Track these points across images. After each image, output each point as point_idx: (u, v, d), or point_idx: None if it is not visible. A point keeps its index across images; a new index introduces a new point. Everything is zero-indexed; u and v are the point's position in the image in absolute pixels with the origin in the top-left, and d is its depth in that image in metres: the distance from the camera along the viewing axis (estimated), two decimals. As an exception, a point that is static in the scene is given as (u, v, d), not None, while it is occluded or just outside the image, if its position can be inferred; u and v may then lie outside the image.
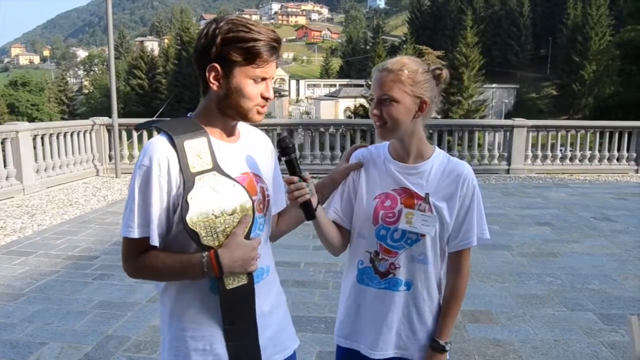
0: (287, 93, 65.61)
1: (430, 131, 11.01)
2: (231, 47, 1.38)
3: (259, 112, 1.46)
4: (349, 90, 59.39)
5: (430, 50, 53.06)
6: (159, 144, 1.41)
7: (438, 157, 1.67)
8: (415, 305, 1.68)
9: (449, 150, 11.06)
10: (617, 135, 10.98)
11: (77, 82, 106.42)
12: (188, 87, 52.73)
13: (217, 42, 1.37)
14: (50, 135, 9.43)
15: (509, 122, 11.19)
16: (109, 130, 10.64)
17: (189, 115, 1.54)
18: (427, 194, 1.61)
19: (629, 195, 8.72)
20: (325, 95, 63.91)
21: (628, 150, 11.01)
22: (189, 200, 1.35)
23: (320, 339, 3.54)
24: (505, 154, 10.80)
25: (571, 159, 10.95)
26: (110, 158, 10.68)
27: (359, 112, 43.95)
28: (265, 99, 1.45)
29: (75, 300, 4.22)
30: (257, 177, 1.53)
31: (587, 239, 6.08)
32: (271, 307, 1.59)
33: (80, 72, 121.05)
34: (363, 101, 45.93)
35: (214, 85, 1.41)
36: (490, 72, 55.50)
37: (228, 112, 1.45)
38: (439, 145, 11.05)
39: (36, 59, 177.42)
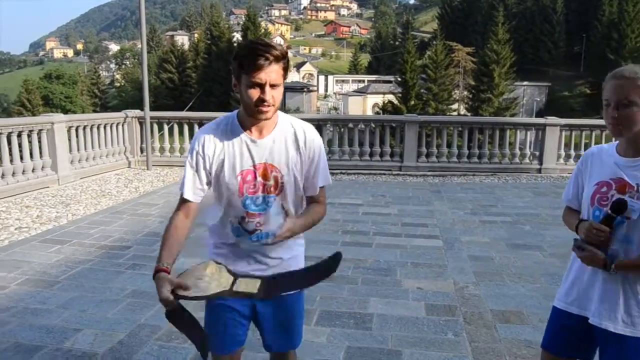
0: (315, 88, 65.58)
1: (460, 128, 10.92)
2: (235, 63, 1.83)
3: (260, 112, 1.83)
4: (377, 87, 59.07)
5: (460, 47, 52.52)
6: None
7: None
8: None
9: (479, 148, 10.95)
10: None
11: (109, 76, 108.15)
12: (218, 81, 53.06)
13: (233, 62, 1.85)
14: (84, 127, 9.62)
15: (541, 120, 11.00)
16: (140, 123, 10.80)
17: (235, 111, 1.99)
18: (637, 184, 1.84)
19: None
20: (353, 91, 63.69)
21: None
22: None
23: (349, 334, 3.54)
24: (537, 153, 10.62)
25: (605, 159, 10.70)
26: (141, 150, 10.85)
27: (387, 108, 43.68)
28: (262, 100, 1.80)
29: (108, 289, 4.30)
30: (272, 167, 1.93)
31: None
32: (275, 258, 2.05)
33: (112, 66, 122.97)
34: (392, 97, 45.62)
35: (237, 93, 1.87)
36: (522, 70, 54.50)
37: (247, 111, 1.87)
38: (469, 142, 10.93)
39: (70, 53, 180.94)
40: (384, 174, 10.31)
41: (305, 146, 1.97)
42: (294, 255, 2.11)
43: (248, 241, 1.99)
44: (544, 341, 2.14)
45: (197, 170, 1.94)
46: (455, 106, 48.76)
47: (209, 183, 1.97)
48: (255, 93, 1.80)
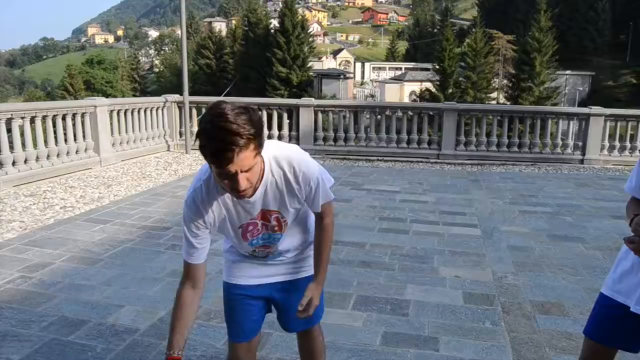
0: (352, 75, 65.26)
1: (499, 117, 10.71)
2: (198, 144, 1.58)
3: (237, 197, 1.73)
4: (414, 74, 58.43)
5: (500, 35, 51.33)
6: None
7: None
8: None
9: (519, 137, 10.72)
10: None
11: (148, 61, 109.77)
12: (254, 68, 53.26)
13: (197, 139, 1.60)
14: (125, 111, 9.80)
15: (585, 110, 10.69)
16: (179, 108, 10.95)
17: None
18: None
19: None
20: (390, 79, 63.14)
21: None
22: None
23: (385, 320, 3.54)
24: (580, 144, 10.34)
25: (652, 151, 10.37)
26: (180, 134, 11.01)
27: (425, 96, 43.20)
28: (237, 190, 1.64)
29: (149, 268, 4.40)
30: (269, 212, 1.89)
31: (668, 235, 5.75)
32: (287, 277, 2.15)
33: (151, 52, 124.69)
34: (429, 85, 45.06)
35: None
36: (564, 58, 52.89)
37: None
38: (509, 132, 10.71)
39: (110, 39, 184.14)
40: (421, 162, 10.22)
41: (299, 182, 1.86)
42: (307, 256, 2.19)
43: (262, 260, 2.09)
44: (587, 327, 2.09)
45: (196, 237, 1.87)
46: (494, 95, 47.85)
47: (210, 234, 1.94)
48: (227, 183, 1.63)
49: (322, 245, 2.07)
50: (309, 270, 2.16)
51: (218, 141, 1.53)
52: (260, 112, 1.61)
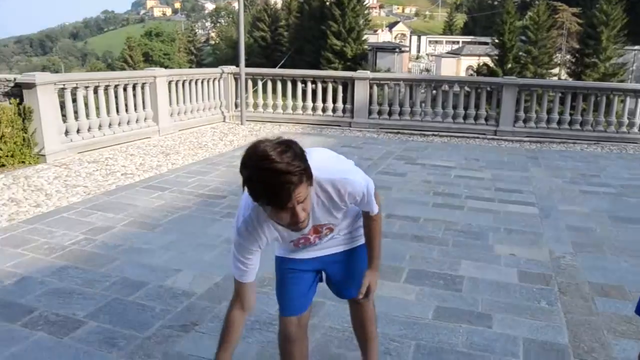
0: (407, 49, 64.02)
1: (561, 93, 10.30)
2: (247, 190, 1.62)
3: (295, 230, 1.77)
4: (472, 48, 56.68)
5: (565, 7, 48.97)
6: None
7: None
8: None
9: (582, 115, 10.29)
10: None
11: (205, 34, 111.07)
12: (309, 41, 52.97)
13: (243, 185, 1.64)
14: (183, 82, 9.98)
15: (655, 87, 10.13)
16: (235, 79, 11.06)
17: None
18: None
19: None
20: (446, 53, 61.56)
21: None
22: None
23: (438, 294, 3.52)
24: (648, 122, 9.83)
25: None
26: (236, 106, 11.14)
27: (482, 71, 41.90)
28: (296, 222, 1.65)
29: (205, 235, 4.52)
30: (320, 225, 1.94)
31: None
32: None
33: (208, 24, 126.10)
34: (487, 60, 43.67)
35: None
36: (634, 33, 50.09)
37: None
38: (570, 109, 10.29)
39: (168, 11, 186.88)
40: (478, 138, 9.98)
41: (345, 200, 1.88)
42: (358, 226, 2.20)
43: (314, 246, 2.11)
44: (638, 306, 2.02)
45: (248, 260, 1.90)
46: (555, 71, 45.91)
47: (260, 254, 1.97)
48: (285, 217, 1.64)
49: (372, 233, 2.12)
50: (360, 239, 2.19)
51: (272, 185, 1.53)
52: (298, 146, 1.61)
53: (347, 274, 2.23)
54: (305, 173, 1.58)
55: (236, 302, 1.96)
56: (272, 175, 1.52)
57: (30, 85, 6.88)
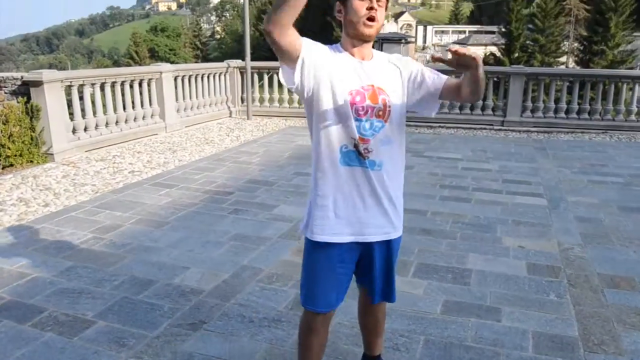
0: (413, 39, 63.58)
1: (569, 82, 10.21)
2: None
3: (365, 25, 1.89)
4: (479, 37, 56.28)
5: (572, -7, 48.46)
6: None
7: None
8: None
9: (590, 104, 10.19)
10: None
11: (210, 28, 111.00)
12: (313, 33, 52.83)
13: None
14: (190, 77, 9.98)
15: (664, 73, 10.02)
16: (241, 73, 11.05)
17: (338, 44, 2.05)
18: None
19: None
20: (453, 42, 61.15)
21: None
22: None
23: (446, 288, 3.51)
24: (658, 110, 9.73)
25: None
26: (242, 100, 11.13)
27: (489, 61, 41.56)
28: (370, 9, 1.87)
29: (213, 232, 4.53)
30: (380, 90, 1.97)
31: None
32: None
33: (213, 18, 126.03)
34: (494, 49, 43.33)
35: (340, 17, 1.97)
36: (643, 19, 49.59)
37: (352, 31, 1.94)
38: (578, 99, 10.20)
39: (173, 6, 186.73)
40: (485, 129, 9.93)
41: (401, 62, 2.06)
42: (400, 204, 2.21)
43: (359, 169, 1.97)
44: None
45: (298, 38, 1.89)
46: (563, 59, 45.49)
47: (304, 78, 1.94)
48: (364, 4, 1.88)
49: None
50: (399, 229, 2.17)
51: None
52: None
53: (384, 275, 2.20)
54: None
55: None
56: None
57: (38, 83, 6.91)
